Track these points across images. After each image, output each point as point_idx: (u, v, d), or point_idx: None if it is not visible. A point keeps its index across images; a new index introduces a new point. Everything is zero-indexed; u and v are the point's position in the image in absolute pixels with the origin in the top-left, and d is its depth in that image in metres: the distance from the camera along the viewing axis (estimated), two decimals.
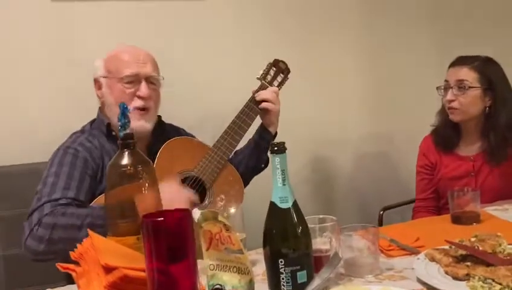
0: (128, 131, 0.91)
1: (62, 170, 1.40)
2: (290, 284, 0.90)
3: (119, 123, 0.91)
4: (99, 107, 1.59)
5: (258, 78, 1.61)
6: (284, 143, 0.94)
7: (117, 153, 0.92)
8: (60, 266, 0.76)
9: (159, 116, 1.59)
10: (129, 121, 0.91)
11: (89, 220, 1.26)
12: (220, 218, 0.84)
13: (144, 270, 0.65)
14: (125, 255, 0.73)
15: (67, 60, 1.99)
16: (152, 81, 1.52)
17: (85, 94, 1.74)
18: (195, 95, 2.09)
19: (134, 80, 1.48)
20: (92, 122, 1.59)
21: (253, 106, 1.58)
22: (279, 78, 1.63)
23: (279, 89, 1.62)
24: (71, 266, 0.75)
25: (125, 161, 0.90)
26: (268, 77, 1.61)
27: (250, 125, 1.57)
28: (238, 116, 1.57)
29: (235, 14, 2.22)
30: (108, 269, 0.63)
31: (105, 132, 1.51)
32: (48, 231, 1.27)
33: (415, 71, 2.54)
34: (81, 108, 1.80)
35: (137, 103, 1.48)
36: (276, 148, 0.93)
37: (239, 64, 2.20)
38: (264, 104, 1.58)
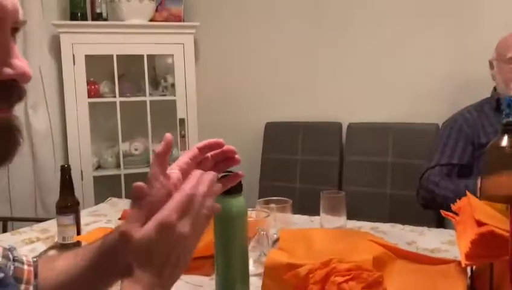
0: (510, 119, 1.09)
1: (441, 141, 1.75)
2: None
3: (504, 112, 1.10)
4: (494, 87, 1.80)
5: None
6: None
7: (498, 136, 1.13)
8: (443, 212, 1.06)
9: None
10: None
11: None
12: None
13: (507, 231, 0.88)
14: (494, 216, 0.96)
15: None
16: None
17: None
18: None
19: None
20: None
21: None
22: None
23: None
24: (452, 214, 1.05)
25: (504, 143, 1.11)
26: None
27: None
28: None
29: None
30: (479, 224, 0.89)
31: (494, 105, 1.72)
32: (427, 194, 1.69)
33: None
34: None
35: None
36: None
37: None
38: None
